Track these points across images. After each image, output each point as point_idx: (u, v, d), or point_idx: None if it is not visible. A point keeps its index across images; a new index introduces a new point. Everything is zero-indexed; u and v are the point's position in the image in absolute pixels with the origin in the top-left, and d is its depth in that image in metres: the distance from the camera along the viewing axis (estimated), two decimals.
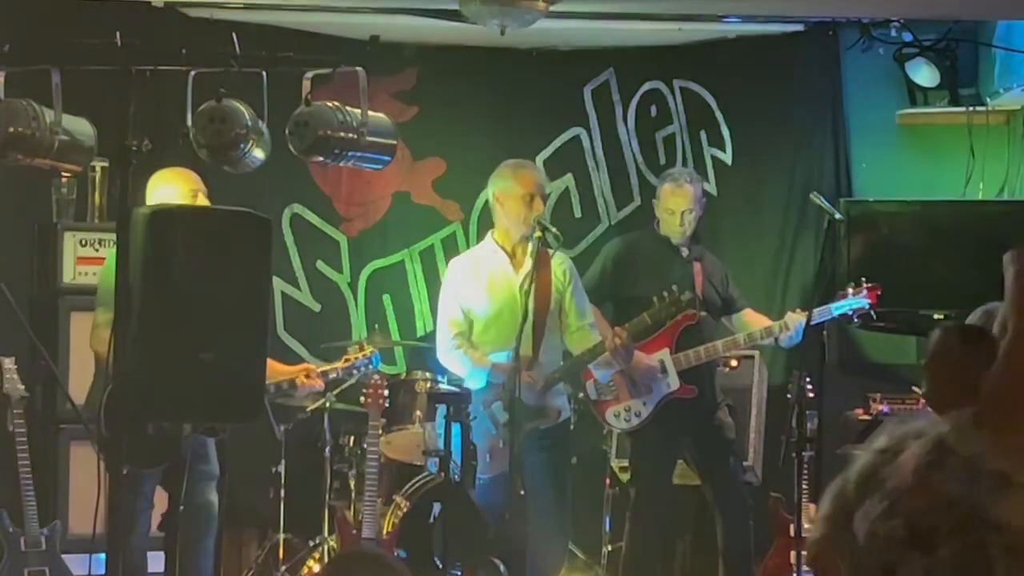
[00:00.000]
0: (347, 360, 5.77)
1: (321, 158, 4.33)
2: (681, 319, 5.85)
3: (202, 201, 5.22)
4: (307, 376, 5.60)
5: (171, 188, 5.16)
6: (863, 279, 5.94)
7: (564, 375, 5.79)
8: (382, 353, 6.36)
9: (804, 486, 5.70)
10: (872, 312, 5.90)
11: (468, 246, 6.87)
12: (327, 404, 6.19)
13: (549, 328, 5.80)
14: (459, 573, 5.66)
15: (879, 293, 5.90)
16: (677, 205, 6.00)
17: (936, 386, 4.00)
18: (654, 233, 6.11)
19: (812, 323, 5.73)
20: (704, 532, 6.50)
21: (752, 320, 6.09)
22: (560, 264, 5.91)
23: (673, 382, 5.86)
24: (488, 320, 5.82)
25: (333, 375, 5.74)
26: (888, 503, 3.87)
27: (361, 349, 5.83)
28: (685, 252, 6.03)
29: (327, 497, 6.21)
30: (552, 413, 5.75)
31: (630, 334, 5.70)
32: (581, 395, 6.14)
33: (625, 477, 6.61)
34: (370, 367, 5.80)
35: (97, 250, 6.21)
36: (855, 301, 5.89)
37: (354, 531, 5.78)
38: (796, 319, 5.81)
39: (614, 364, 5.82)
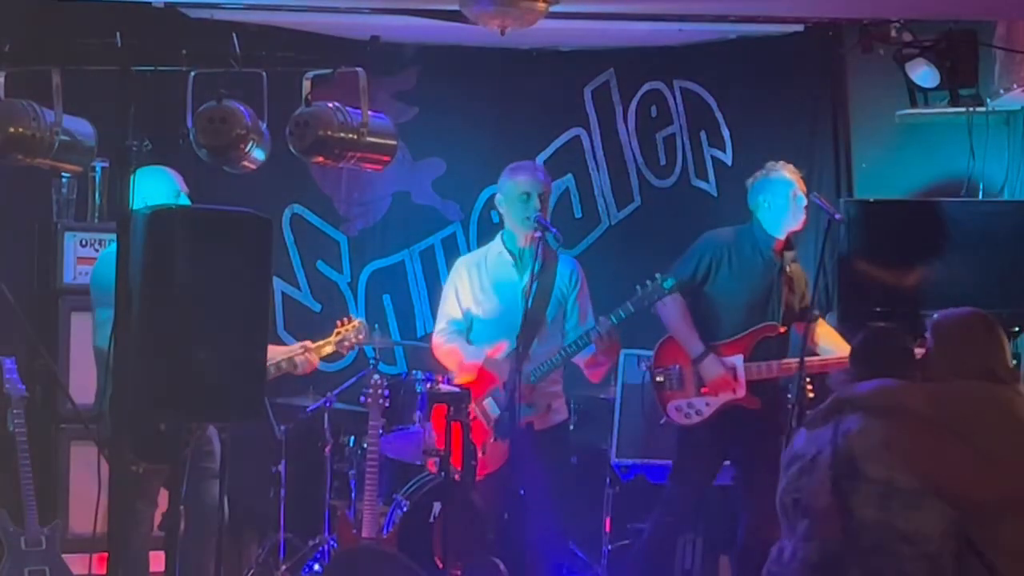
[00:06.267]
0: (337, 333, 5.77)
1: (321, 158, 4.33)
2: (761, 330, 5.80)
3: (184, 201, 5.22)
4: (304, 352, 5.59)
5: (153, 187, 5.14)
6: None
7: (552, 368, 5.77)
8: (382, 353, 6.37)
9: None
10: None
11: (468, 246, 6.89)
12: (327, 404, 6.21)
13: (549, 330, 5.79)
14: (459, 573, 5.65)
15: None
16: (800, 186, 5.88)
17: None
18: (753, 233, 5.93)
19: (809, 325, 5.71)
20: (709, 531, 6.50)
21: (825, 334, 5.98)
22: (567, 267, 5.90)
23: (740, 389, 5.80)
24: (488, 320, 5.82)
25: (328, 349, 5.73)
26: (808, 522, 3.95)
27: (346, 323, 5.82)
28: (778, 259, 5.89)
29: (327, 497, 6.22)
30: (542, 408, 5.75)
31: (615, 325, 5.68)
32: (652, 378, 5.98)
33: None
34: (361, 336, 5.80)
35: (97, 250, 6.21)
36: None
37: (354, 531, 5.79)
38: None
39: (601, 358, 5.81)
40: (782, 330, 5.87)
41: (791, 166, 5.98)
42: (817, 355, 5.81)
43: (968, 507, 3.73)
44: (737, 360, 5.81)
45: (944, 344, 4.11)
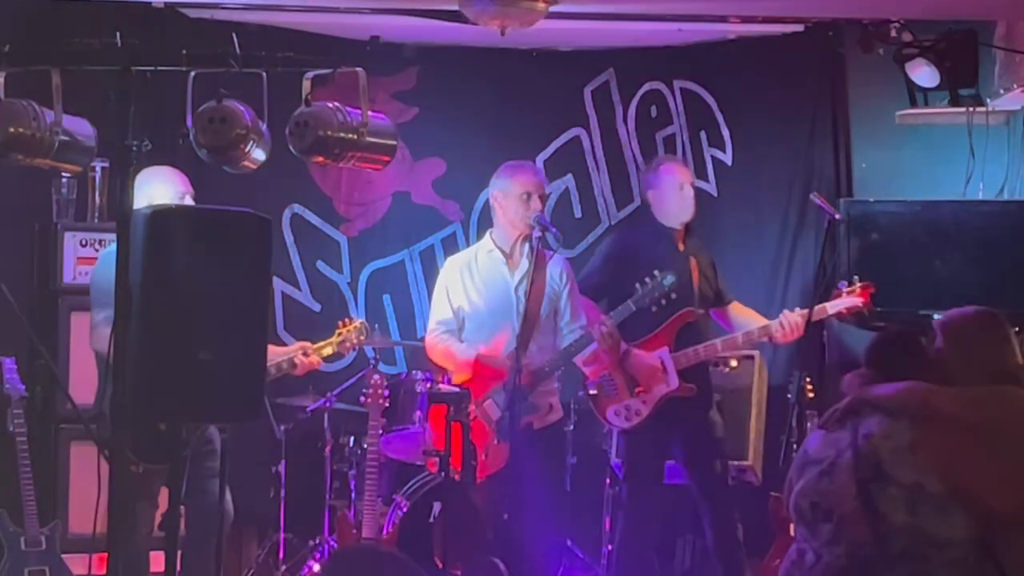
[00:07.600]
0: (339, 334, 5.78)
1: (321, 158, 4.33)
2: (680, 316, 5.84)
3: (188, 202, 5.22)
4: (304, 354, 5.59)
5: (158, 188, 5.14)
6: (856, 278, 5.94)
7: (553, 369, 5.79)
8: (382, 353, 6.37)
9: None
10: (867, 310, 5.89)
11: (468, 246, 6.88)
12: (327, 404, 6.21)
13: (543, 329, 5.80)
14: (459, 573, 5.66)
15: (872, 292, 5.88)
16: (686, 178, 6.03)
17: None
18: (653, 227, 6.06)
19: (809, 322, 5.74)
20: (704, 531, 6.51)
21: (741, 313, 6.10)
22: (557, 265, 5.92)
23: (672, 381, 5.84)
24: (481, 320, 5.84)
25: (328, 350, 5.73)
26: (833, 527, 3.87)
27: (348, 324, 5.82)
28: (682, 247, 6.01)
29: (327, 497, 6.22)
30: (543, 408, 5.76)
31: (615, 322, 5.70)
32: (581, 393, 6.14)
33: None
34: (363, 337, 5.81)
35: (97, 250, 6.22)
36: (848, 300, 5.88)
37: (354, 531, 5.79)
38: (792, 318, 5.80)
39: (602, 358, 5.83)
40: (700, 312, 5.93)
41: (677, 159, 6.08)
42: (735, 334, 5.95)
43: (988, 514, 3.68)
44: (663, 353, 5.83)
45: (957, 344, 4.02)
